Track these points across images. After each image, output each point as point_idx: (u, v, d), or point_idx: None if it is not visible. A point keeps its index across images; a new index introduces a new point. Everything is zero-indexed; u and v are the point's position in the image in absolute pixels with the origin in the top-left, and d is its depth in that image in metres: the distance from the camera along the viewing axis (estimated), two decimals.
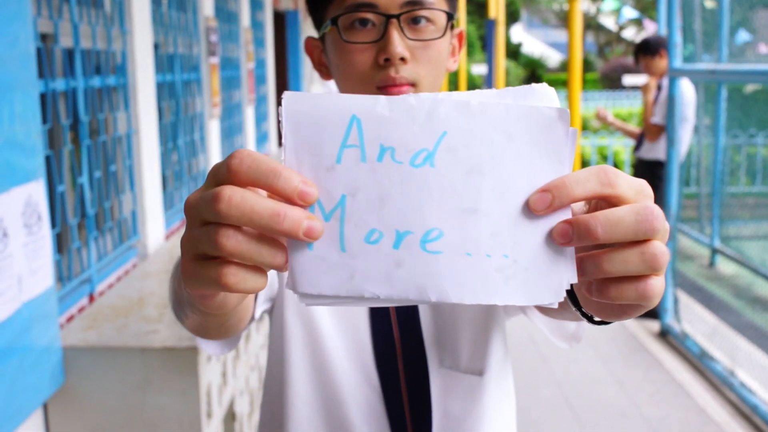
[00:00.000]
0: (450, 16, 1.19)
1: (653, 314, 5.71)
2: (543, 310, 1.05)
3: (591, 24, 38.09)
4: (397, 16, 1.13)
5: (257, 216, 0.60)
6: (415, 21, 1.15)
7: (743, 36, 5.92)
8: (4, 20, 2.33)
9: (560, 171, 0.64)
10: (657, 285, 0.65)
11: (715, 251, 7.08)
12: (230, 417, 3.31)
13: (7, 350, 2.33)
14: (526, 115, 0.63)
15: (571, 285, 0.68)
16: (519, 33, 44.11)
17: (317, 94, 0.63)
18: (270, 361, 1.33)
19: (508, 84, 30.92)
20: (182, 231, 4.33)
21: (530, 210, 0.63)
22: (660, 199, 5.57)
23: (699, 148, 6.92)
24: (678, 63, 5.19)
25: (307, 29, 11.42)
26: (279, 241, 0.62)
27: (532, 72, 41.30)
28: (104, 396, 2.76)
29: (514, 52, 40.85)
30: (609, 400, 4.39)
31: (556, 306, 0.64)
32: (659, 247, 0.64)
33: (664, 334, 5.46)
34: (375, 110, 0.62)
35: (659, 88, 5.61)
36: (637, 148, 5.86)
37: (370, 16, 1.14)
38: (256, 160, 0.61)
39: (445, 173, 0.63)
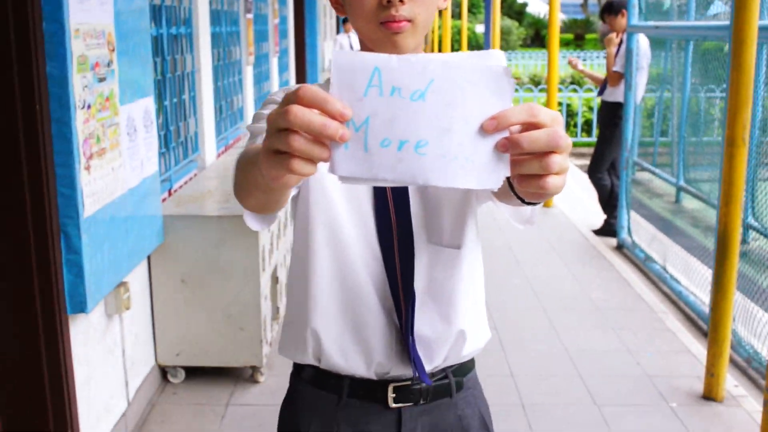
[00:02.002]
0: None
1: (612, 233, 6.86)
2: (499, 197, 1.35)
3: None
4: None
5: (312, 124, 0.90)
6: None
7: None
8: None
9: (504, 106, 0.94)
10: (552, 182, 0.97)
11: (679, 189, 8.11)
12: (274, 279, 4.49)
13: (134, 211, 3.48)
14: (484, 70, 0.93)
15: (511, 181, 1.03)
16: None
17: (354, 52, 0.93)
18: (296, 237, 1.60)
19: (509, 43, 31.78)
20: (229, 152, 5.50)
21: (483, 130, 0.94)
22: (620, 134, 6.67)
23: (672, 102, 7.93)
24: (634, 20, 6.28)
25: None
26: (325, 144, 0.92)
27: (536, 32, 42.08)
28: (191, 251, 3.92)
29: (519, 12, 41.62)
30: (565, 289, 5.56)
31: (496, 189, 0.97)
32: (554, 158, 0.96)
33: (620, 247, 6.61)
34: (389, 64, 0.92)
35: (621, 42, 6.69)
36: (600, 92, 6.98)
37: None
38: (314, 91, 0.91)
39: (431, 105, 0.92)
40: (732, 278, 3.82)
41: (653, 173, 8.23)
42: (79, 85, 2.86)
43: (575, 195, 8.54)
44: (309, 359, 1.59)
